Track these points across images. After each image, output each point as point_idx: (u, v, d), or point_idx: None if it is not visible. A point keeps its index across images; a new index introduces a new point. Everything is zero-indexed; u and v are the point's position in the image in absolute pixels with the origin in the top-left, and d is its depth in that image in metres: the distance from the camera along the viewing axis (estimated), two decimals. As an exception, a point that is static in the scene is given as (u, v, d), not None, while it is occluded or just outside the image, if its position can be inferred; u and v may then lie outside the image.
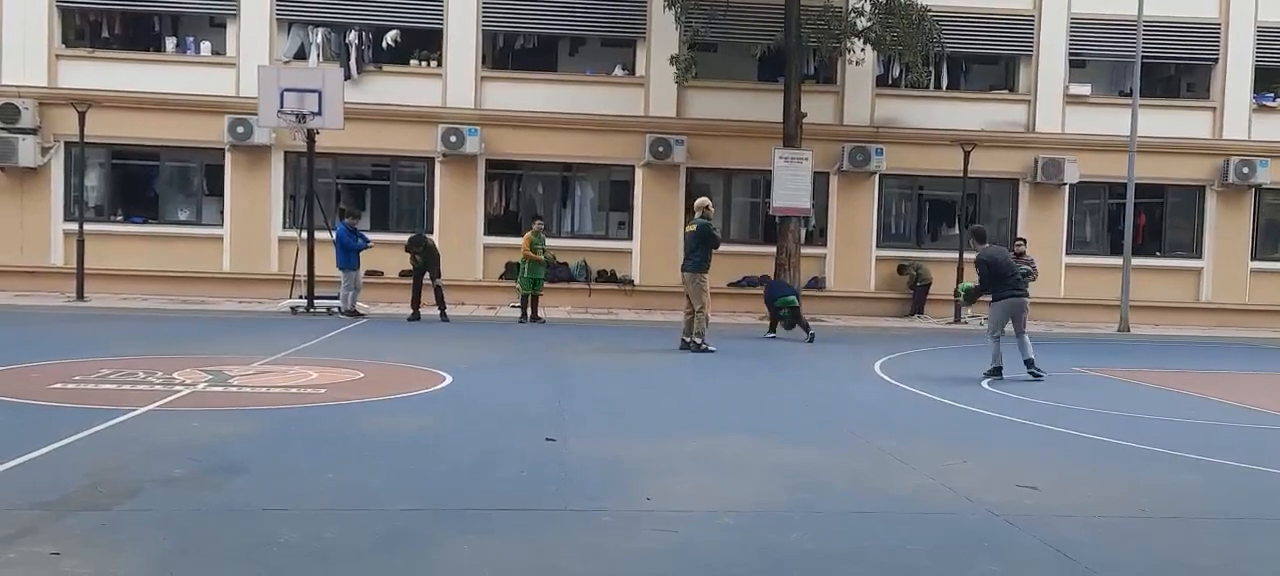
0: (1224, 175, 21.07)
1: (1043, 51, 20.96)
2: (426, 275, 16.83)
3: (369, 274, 18.36)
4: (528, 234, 17.23)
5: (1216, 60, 21.30)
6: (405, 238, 17.61)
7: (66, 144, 19.18)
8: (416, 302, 16.73)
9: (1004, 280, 11.48)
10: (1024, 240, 18.29)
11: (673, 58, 18.91)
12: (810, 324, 15.99)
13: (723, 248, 14.54)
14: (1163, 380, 12.12)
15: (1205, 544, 5.27)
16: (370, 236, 17.59)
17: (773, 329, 16.29)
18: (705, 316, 13.43)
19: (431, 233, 18.73)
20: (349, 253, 16.64)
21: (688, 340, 13.30)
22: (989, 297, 11.66)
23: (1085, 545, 5.02)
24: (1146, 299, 20.48)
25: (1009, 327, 11.50)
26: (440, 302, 16.74)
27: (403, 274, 19.32)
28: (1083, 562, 4.75)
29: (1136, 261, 19.94)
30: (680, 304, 17.60)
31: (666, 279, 20.19)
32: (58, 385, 8.80)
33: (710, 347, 13.19)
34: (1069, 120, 21.05)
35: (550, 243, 18.93)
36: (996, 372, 11.36)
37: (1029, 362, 11.33)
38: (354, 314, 16.60)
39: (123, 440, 6.72)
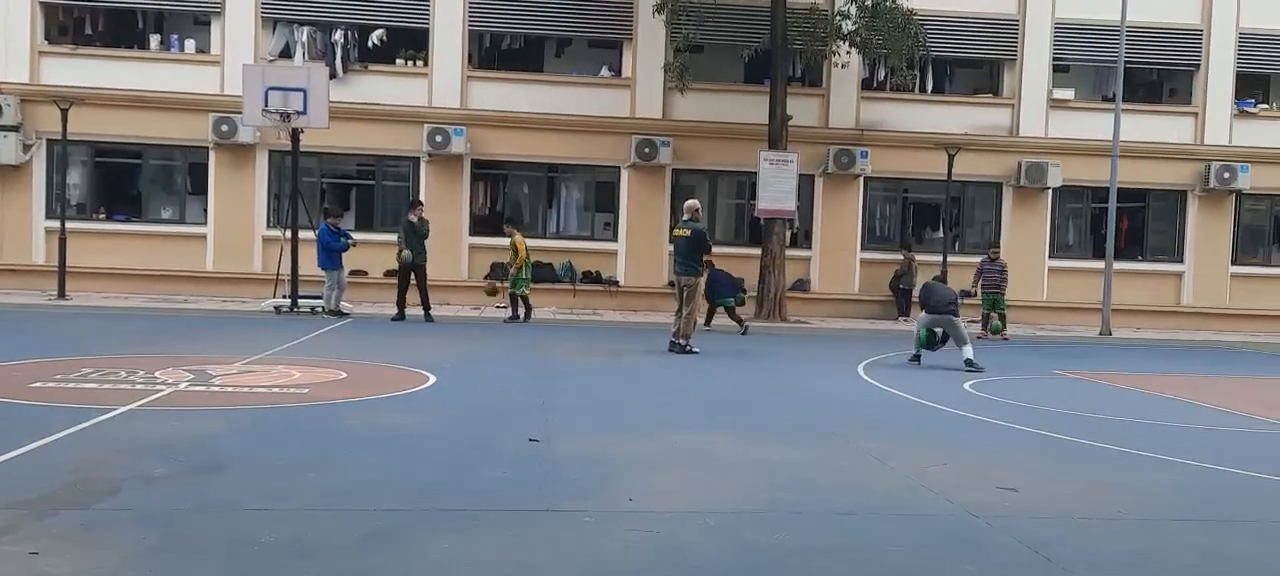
0: (1205, 180, 21.27)
1: (1027, 56, 21.11)
2: (411, 275, 16.60)
3: (353, 274, 18.30)
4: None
5: (1198, 66, 21.50)
6: (391, 237, 17.31)
7: (49, 141, 19.07)
8: (402, 301, 16.61)
9: (935, 301, 13.18)
10: (995, 246, 18.58)
11: (667, 66, 18.97)
12: (743, 320, 16.77)
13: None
14: (1143, 383, 12.21)
15: (1182, 544, 5.33)
16: (354, 235, 17.55)
17: (740, 327, 16.64)
18: (693, 319, 13.48)
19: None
20: (330, 253, 16.58)
21: (677, 342, 13.33)
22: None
23: (1062, 545, 5.07)
24: (1128, 302, 20.64)
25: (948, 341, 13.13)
26: (424, 301, 16.64)
27: (388, 273, 19.29)
28: (1060, 562, 4.79)
29: (1118, 265, 20.10)
30: (665, 304, 17.71)
31: (651, 280, 20.26)
32: (38, 384, 8.74)
33: (694, 349, 13.24)
34: (1052, 124, 21.21)
35: (536, 243, 18.95)
36: (917, 360, 12.97)
37: (969, 361, 12.55)
38: (338, 314, 16.54)
39: (103, 439, 6.69)
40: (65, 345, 11.53)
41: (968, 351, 12.63)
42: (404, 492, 5.65)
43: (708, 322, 16.64)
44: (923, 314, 13.38)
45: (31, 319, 15.02)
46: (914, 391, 10.44)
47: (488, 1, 20.09)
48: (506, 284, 17.29)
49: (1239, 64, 21.47)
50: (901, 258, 20.47)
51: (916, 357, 13.07)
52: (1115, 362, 14.53)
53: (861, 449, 7.34)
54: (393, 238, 17.28)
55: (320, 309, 16.67)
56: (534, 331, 15.74)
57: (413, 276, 16.54)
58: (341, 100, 18.51)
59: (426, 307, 16.62)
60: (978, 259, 19.08)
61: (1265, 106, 21.98)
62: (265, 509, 5.19)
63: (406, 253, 16.40)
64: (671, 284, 15.47)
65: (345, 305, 16.99)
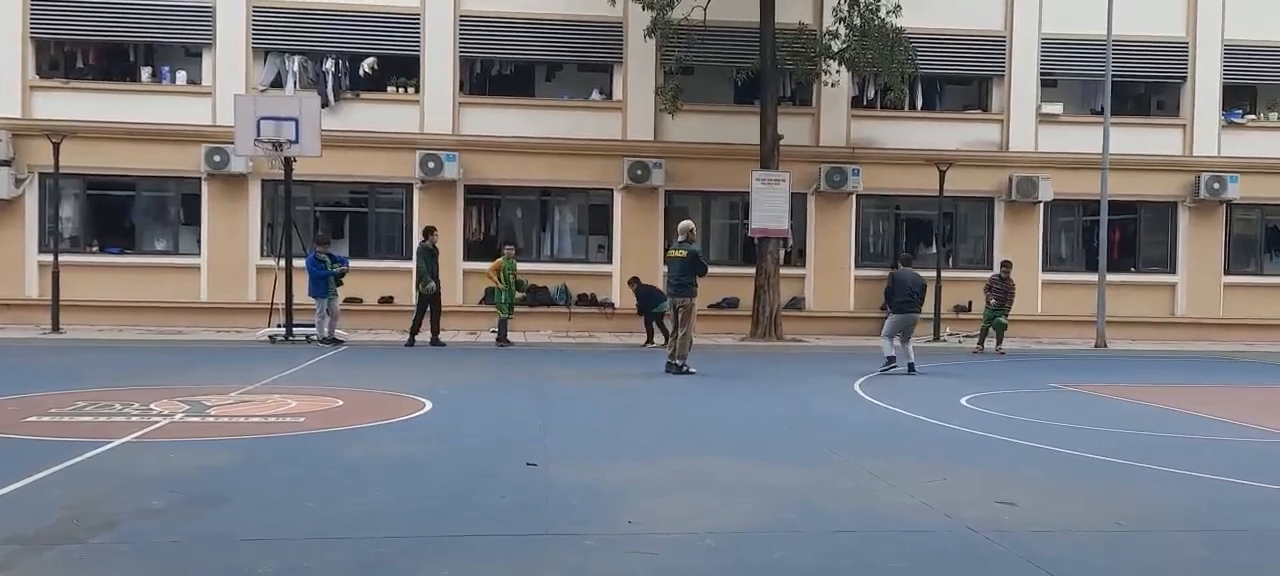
0: (1195, 191, 21.36)
1: (1015, 71, 21.22)
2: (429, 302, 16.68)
3: (348, 301, 18.28)
4: (499, 260, 17.30)
5: (1185, 78, 21.63)
6: (385, 264, 17.39)
7: (41, 175, 19.05)
8: (417, 329, 16.68)
9: (896, 295, 13.90)
10: (1009, 263, 18.46)
11: (660, 90, 19.04)
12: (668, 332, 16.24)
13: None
14: (1139, 395, 12.23)
15: (1184, 556, 5.33)
16: (350, 262, 17.58)
17: (649, 341, 17.07)
18: (690, 340, 13.49)
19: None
20: (318, 281, 16.55)
21: (673, 362, 13.33)
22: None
23: (1064, 559, 5.06)
24: (1122, 314, 20.68)
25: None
26: (435, 325, 16.70)
27: (382, 300, 19.36)
28: (1062, 577, 4.79)
29: (1112, 277, 20.16)
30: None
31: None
32: (33, 418, 8.71)
33: (692, 370, 13.22)
34: (1042, 139, 21.30)
35: (530, 266, 19.05)
36: (891, 362, 13.61)
37: (911, 366, 13.70)
38: (333, 341, 16.52)
39: (100, 472, 6.65)
40: (59, 379, 11.48)
41: (911, 355, 13.84)
42: (403, 521, 5.63)
43: (650, 342, 17.10)
44: (891, 317, 13.92)
45: (25, 353, 14.96)
46: (911, 407, 10.43)
47: (478, 27, 20.16)
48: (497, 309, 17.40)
49: (1225, 76, 21.60)
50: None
51: (891, 360, 13.63)
52: (1111, 374, 14.55)
53: (859, 466, 7.33)
54: (388, 265, 17.35)
55: (314, 337, 16.64)
56: (529, 355, 15.72)
57: (429, 303, 16.70)
58: (334, 129, 18.54)
59: (435, 332, 16.72)
60: (972, 274, 19.05)
61: (1253, 117, 22.10)
62: (263, 540, 5.17)
63: (433, 284, 16.53)
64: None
65: (340, 332, 16.98)
